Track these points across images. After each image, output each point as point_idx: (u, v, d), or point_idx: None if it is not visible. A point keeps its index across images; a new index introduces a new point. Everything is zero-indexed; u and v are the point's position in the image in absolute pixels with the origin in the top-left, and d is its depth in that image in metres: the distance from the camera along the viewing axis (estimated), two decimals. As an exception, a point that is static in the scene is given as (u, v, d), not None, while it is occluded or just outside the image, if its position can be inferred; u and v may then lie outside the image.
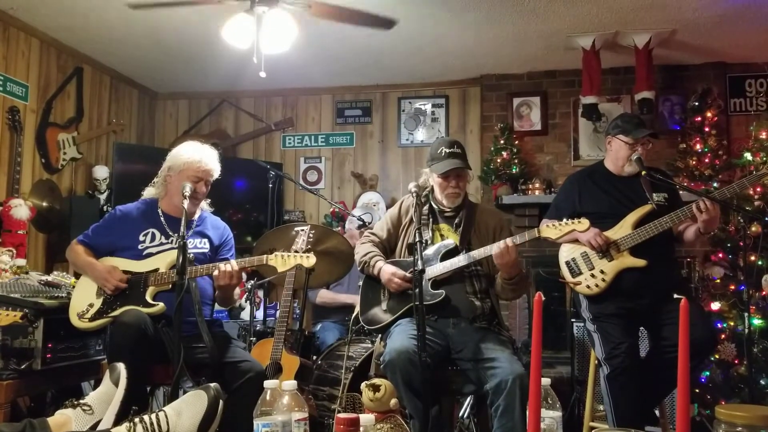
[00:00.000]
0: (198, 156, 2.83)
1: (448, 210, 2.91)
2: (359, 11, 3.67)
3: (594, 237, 2.87)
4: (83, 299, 2.73)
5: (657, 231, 2.85)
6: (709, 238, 4.59)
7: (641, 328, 3.16)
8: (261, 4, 3.48)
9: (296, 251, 2.96)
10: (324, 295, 4.24)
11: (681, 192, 3.16)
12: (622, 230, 2.92)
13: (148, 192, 2.98)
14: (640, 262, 2.85)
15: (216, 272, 2.65)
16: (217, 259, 2.91)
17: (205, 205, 3.01)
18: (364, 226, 4.41)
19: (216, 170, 2.89)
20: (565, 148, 5.37)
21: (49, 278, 3.11)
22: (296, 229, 3.10)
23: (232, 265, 2.66)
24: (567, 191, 3.20)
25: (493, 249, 2.61)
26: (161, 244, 2.82)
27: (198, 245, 2.87)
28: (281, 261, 2.65)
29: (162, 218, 2.88)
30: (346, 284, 4.24)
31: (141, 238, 2.82)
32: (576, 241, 2.96)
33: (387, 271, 2.80)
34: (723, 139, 4.94)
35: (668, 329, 2.80)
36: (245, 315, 4.78)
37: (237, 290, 2.98)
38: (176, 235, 2.81)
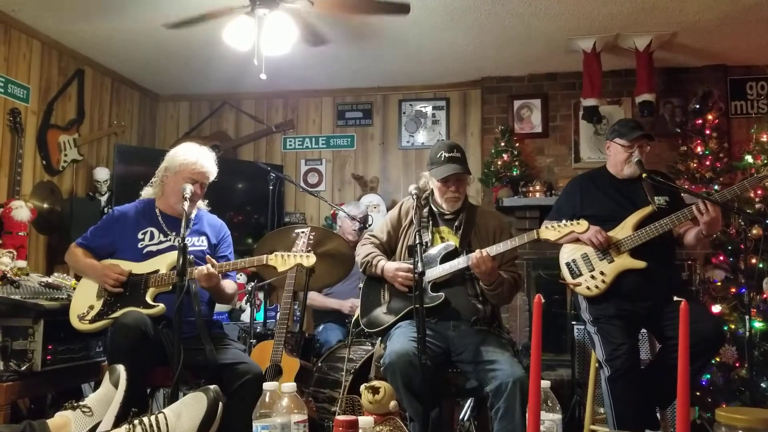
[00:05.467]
0: (194, 157, 2.83)
1: (448, 213, 2.91)
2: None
3: (595, 234, 2.87)
4: (83, 301, 2.73)
5: (657, 232, 2.85)
6: (710, 241, 4.58)
7: (642, 330, 3.16)
8: (261, 6, 3.48)
9: (296, 252, 2.96)
10: (314, 298, 4.23)
11: (684, 196, 3.16)
12: (622, 231, 2.93)
13: (146, 192, 2.99)
14: (640, 264, 2.85)
15: (195, 274, 2.61)
16: (217, 256, 2.92)
17: (201, 204, 3.02)
18: (364, 228, 4.41)
19: (212, 172, 2.89)
20: (565, 150, 5.37)
21: (50, 280, 3.10)
22: (297, 231, 3.10)
23: (208, 267, 2.63)
24: (569, 194, 3.21)
25: (470, 259, 2.62)
26: (160, 242, 2.83)
27: (196, 243, 2.88)
28: (281, 261, 2.65)
29: (159, 217, 2.89)
30: (339, 289, 4.21)
31: (140, 236, 2.83)
32: (577, 241, 2.96)
33: (390, 267, 2.80)
34: (724, 142, 4.93)
35: (672, 330, 2.80)
36: (245, 317, 4.78)
37: (233, 285, 2.97)
38: (174, 233, 2.83)
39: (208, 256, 2.76)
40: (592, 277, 2.92)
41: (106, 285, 2.70)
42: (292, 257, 2.66)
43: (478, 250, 2.61)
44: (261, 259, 2.69)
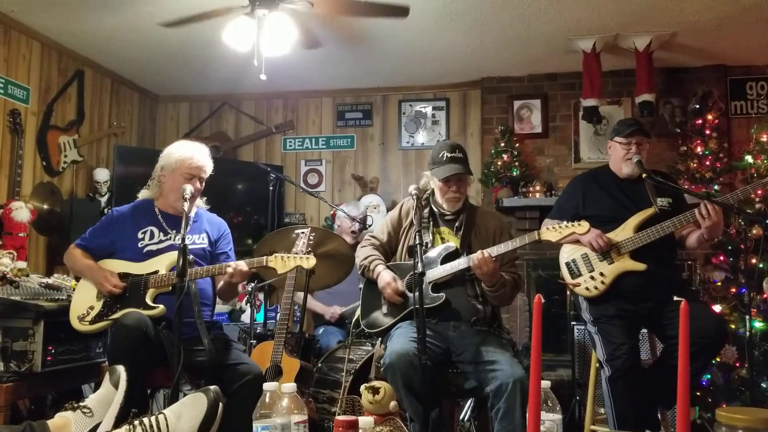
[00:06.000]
0: (189, 153, 2.84)
1: (449, 213, 2.90)
2: (367, 1, 3.51)
3: (596, 238, 2.87)
4: (83, 302, 2.73)
5: (658, 235, 2.84)
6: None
7: (643, 330, 3.16)
8: (261, 6, 3.48)
9: (296, 254, 2.96)
10: (301, 297, 4.22)
11: (686, 196, 3.15)
12: (623, 233, 2.92)
13: (143, 194, 2.98)
14: (640, 266, 2.85)
15: (230, 270, 2.64)
16: (216, 253, 2.92)
17: (201, 202, 3.02)
18: (364, 228, 4.41)
19: (208, 166, 2.89)
20: (565, 150, 5.37)
21: (50, 281, 3.10)
22: (297, 231, 3.10)
23: (240, 265, 2.65)
24: (571, 193, 3.20)
25: (472, 260, 2.62)
26: (160, 241, 2.82)
27: (197, 241, 2.88)
28: (281, 263, 2.65)
29: (159, 216, 2.89)
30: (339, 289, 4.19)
31: (140, 236, 2.82)
32: (577, 242, 2.96)
33: (384, 278, 2.80)
34: (724, 142, 4.93)
35: (673, 329, 2.79)
36: (245, 318, 4.78)
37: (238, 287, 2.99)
38: (174, 231, 2.82)
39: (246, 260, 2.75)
40: (592, 277, 2.92)
41: (102, 290, 2.70)
42: (292, 259, 2.66)
43: (479, 251, 2.61)
44: (261, 260, 2.68)
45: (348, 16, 3.67)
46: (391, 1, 3.55)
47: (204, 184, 2.90)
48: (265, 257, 2.68)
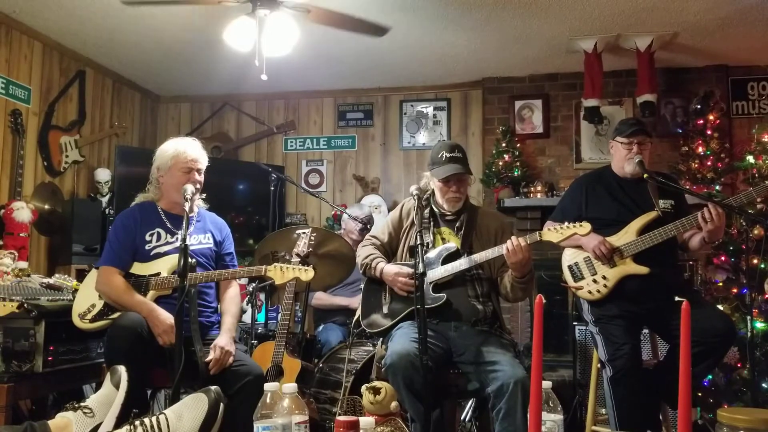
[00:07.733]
0: (182, 148, 2.82)
1: (449, 213, 2.90)
2: (354, 17, 3.71)
3: (598, 246, 2.86)
4: (86, 300, 2.73)
5: (661, 239, 2.83)
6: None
7: (644, 330, 3.16)
8: (262, 7, 3.49)
9: (298, 254, 2.96)
10: (320, 297, 4.23)
11: (687, 196, 3.15)
12: (626, 236, 2.91)
13: (142, 198, 2.93)
14: (643, 270, 2.84)
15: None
16: (222, 254, 2.94)
17: (200, 202, 3.01)
18: (366, 229, 4.41)
19: (203, 157, 2.87)
20: (567, 151, 5.37)
21: (51, 281, 3.10)
22: (298, 232, 3.10)
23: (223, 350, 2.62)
24: (574, 194, 3.19)
25: (503, 249, 2.60)
26: (167, 242, 2.81)
27: (202, 241, 2.88)
28: (280, 273, 2.63)
29: (163, 216, 2.86)
30: (348, 287, 4.23)
31: (147, 238, 2.80)
32: (580, 247, 2.95)
33: (390, 271, 2.79)
34: (725, 142, 4.93)
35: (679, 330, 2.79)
36: (247, 318, 4.78)
37: (236, 286, 2.99)
38: (180, 232, 2.80)
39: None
40: (594, 281, 2.91)
41: (159, 339, 2.58)
42: (291, 270, 2.64)
43: (513, 237, 2.58)
44: (260, 269, 2.68)
45: (337, 28, 3.84)
46: (376, 20, 3.79)
47: (203, 175, 2.89)
48: (264, 267, 2.67)
